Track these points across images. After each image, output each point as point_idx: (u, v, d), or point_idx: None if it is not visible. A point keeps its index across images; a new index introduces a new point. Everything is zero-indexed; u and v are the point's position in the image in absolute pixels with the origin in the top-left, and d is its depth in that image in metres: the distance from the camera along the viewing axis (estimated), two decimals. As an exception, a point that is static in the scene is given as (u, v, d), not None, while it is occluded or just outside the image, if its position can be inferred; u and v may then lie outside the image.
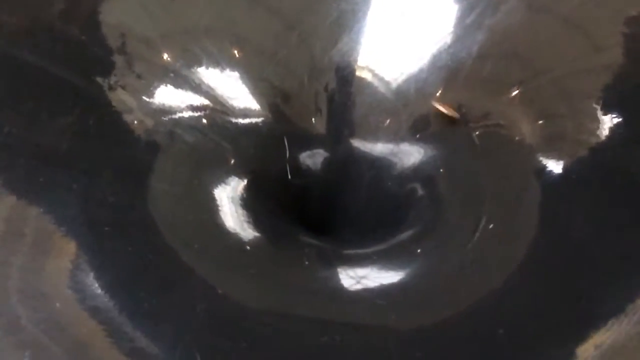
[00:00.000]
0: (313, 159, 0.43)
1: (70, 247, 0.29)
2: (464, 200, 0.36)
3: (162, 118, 0.36)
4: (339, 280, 0.33)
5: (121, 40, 0.36)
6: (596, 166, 0.32)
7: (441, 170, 0.38)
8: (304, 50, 0.41)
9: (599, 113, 0.33)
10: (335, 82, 0.42)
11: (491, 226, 0.33)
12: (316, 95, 0.42)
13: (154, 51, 0.37)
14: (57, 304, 0.27)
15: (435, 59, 0.40)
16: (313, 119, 0.43)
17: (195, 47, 0.38)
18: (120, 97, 0.34)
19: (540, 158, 0.34)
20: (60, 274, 0.28)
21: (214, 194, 0.35)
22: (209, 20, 0.39)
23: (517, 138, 0.35)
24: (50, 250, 0.29)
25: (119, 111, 0.34)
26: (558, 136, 0.34)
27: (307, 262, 0.34)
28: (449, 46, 0.40)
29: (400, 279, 0.33)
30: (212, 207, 0.35)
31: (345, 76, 0.42)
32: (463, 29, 0.40)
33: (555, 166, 0.33)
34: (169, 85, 0.37)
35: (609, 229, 0.30)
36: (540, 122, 0.35)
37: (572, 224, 0.31)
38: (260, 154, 0.40)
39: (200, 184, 0.35)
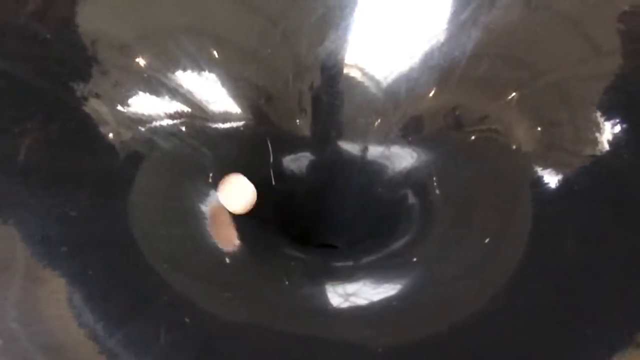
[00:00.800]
0: (298, 162, 0.41)
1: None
2: (457, 211, 0.34)
3: (139, 127, 0.33)
4: (326, 298, 0.31)
5: (95, 47, 0.33)
6: (596, 179, 0.30)
7: (434, 177, 0.36)
8: (288, 48, 0.39)
9: (600, 120, 0.31)
10: (321, 81, 0.40)
11: (487, 240, 0.31)
12: (300, 95, 0.40)
13: (129, 57, 0.34)
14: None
15: (427, 57, 0.38)
16: (298, 121, 0.40)
17: (172, 50, 0.35)
18: (94, 107, 0.32)
19: (537, 168, 0.32)
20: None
21: (193, 206, 0.33)
22: (185, 20, 0.37)
23: (514, 146, 0.33)
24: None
25: (93, 121, 0.32)
26: (556, 145, 0.32)
27: (292, 279, 0.32)
28: (442, 44, 0.38)
29: (390, 296, 0.31)
30: (190, 220, 0.32)
31: (332, 75, 0.40)
32: (457, 26, 0.37)
33: (552, 178, 0.31)
34: (145, 92, 0.34)
35: (608, 247, 0.28)
36: (539, 129, 0.33)
37: (567, 240, 0.29)
38: (242, 159, 0.37)
39: (179, 195, 0.33)
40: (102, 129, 0.32)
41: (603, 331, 0.26)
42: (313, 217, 0.42)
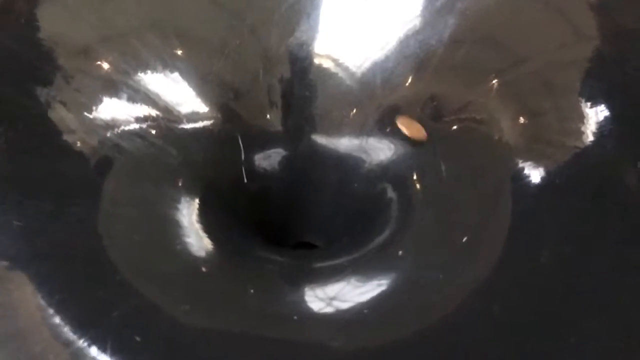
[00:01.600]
0: (271, 159, 0.39)
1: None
2: (436, 207, 0.32)
3: (106, 133, 0.31)
4: (305, 303, 0.30)
5: (56, 51, 0.31)
6: (578, 172, 0.29)
7: (413, 170, 0.34)
8: (256, 40, 0.37)
9: (585, 108, 0.30)
10: (293, 73, 0.38)
11: (464, 239, 0.30)
12: (270, 89, 0.38)
13: (91, 60, 0.32)
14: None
15: (403, 46, 0.37)
16: (268, 115, 0.38)
17: (136, 50, 0.33)
18: (59, 114, 0.30)
19: (519, 160, 0.30)
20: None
21: (164, 211, 0.31)
22: (148, 17, 0.34)
23: (495, 137, 0.32)
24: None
25: (58, 129, 0.30)
26: (540, 137, 0.31)
27: (260, 286, 0.30)
28: (417, 32, 0.36)
29: (372, 297, 0.29)
30: (159, 225, 0.30)
31: (304, 67, 0.38)
32: (433, 13, 0.36)
33: (533, 171, 0.29)
34: (111, 96, 0.32)
35: (591, 246, 0.27)
36: (521, 120, 0.31)
37: (548, 239, 0.28)
38: (212, 159, 0.35)
39: (149, 201, 0.31)
40: (67, 137, 0.30)
41: (588, 339, 0.25)
42: (289, 215, 0.41)
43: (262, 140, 0.39)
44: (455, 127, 0.33)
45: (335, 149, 0.39)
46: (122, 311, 0.25)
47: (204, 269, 0.30)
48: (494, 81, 0.32)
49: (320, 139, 0.39)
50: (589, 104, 0.30)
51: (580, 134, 0.29)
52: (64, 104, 0.30)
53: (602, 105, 0.29)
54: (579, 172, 0.28)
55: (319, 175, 0.40)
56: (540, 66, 0.32)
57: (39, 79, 0.30)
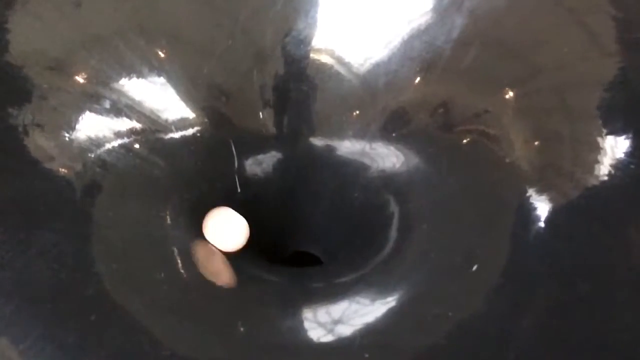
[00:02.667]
0: (266, 164, 0.37)
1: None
2: (440, 226, 0.30)
3: (89, 155, 0.29)
4: (305, 332, 0.28)
5: (27, 67, 0.28)
6: (587, 215, 0.26)
7: (418, 183, 0.32)
8: (250, 40, 0.34)
9: (602, 138, 0.27)
10: (288, 73, 0.36)
11: (466, 264, 0.28)
12: (262, 89, 0.35)
13: (67, 73, 0.29)
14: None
15: (407, 47, 0.34)
16: (261, 115, 0.36)
17: (117, 54, 0.30)
18: (36, 141, 0.27)
19: (528, 188, 0.28)
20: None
21: (150, 234, 0.29)
22: (129, 18, 0.31)
23: (507, 159, 0.29)
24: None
25: (37, 157, 0.27)
26: (553, 166, 0.28)
27: (249, 323, 0.28)
28: (422, 32, 0.34)
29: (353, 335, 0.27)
30: (145, 253, 0.28)
31: (302, 68, 0.35)
32: (439, 12, 0.33)
33: (542, 203, 0.27)
34: (92, 111, 0.30)
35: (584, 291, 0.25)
36: (536, 142, 0.29)
37: (543, 277, 0.26)
38: (202, 169, 0.33)
39: (135, 223, 0.29)
40: (49, 165, 0.27)
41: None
42: (284, 223, 0.39)
43: (256, 144, 0.37)
44: (465, 141, 0.31)
45: (335, 153, 0.37)
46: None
47: (191, 300, 0.27)
48: (509, 93, 0.30)
49: (319, 142, 0.37)
50: (606, 131, 0.27)
51: (594, 167, 0.26)
52: (41, 127, 0.27)
53: (622, 137, 0.27)
54: (587, 215, 0.26)
55: (316, 182, 0.38)
56: (559, 81, 0.29)
57: (12, 101, 0.27)
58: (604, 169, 0.26)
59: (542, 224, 0.26)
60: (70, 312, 0.24)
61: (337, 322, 0.28)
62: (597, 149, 0.26)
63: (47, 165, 0.27)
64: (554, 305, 0.25)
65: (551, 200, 0.27)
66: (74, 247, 0.25)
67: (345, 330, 0.27)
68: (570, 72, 0.29)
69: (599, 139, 0.27)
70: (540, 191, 0.27)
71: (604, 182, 0.26)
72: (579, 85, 0.29)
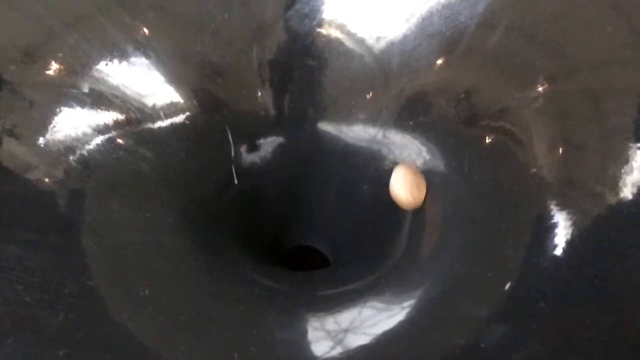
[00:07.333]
0: (263, 151, 0.34)
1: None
2: (455, 231, 0.27)
3: (71, 158, 0.25)
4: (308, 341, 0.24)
5: None
6: (607, 238, 0.23)
7: (437, 181, 0.29)
8: (249, 13, 0.30)
9: (632, 154, 0.23)
10: (291, 51, 0.32)
11: (481, 272, 0.25)
12: (260, 66, 0.32)
13: (41, 62, 0.25)
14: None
15: (425, 22, 0.30)
16: (259, 94, 0.32)
17: (100, 31, 0.26)
18: (11, 150, 0.23)
19: (549, 202, 0.24)
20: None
21: (145, 231, 0.25)
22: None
23: (531, 168, 0.25)
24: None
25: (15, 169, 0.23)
26: (575, 181, 0.25)
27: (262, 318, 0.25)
28: (443, 5, 0.30)
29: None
30: (129, 270, 0.24)
31: (306, 45, 0.32)
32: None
33: (562, 220, 0.24)
34: (69, 106, 0.26)
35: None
36: (560, 149, 0.25)
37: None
38: (194, 161, 0.29)
39: (123, 230, 0.25)
40: (29, 175, 0.23)
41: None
42: (286, 216, 0.35)
43: (254, 128, 0.33)
44: (489, 140, 0.27)
45: (344, 139, 0.33)
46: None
47: (184, 320, 0.24)
48: (539, 89, 0.26)
49: (327, 127, 0.33)
50: (637, 147, 0.23)
51: (619, 185, 0.23)
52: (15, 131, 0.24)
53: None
54: (605, 232, 0.23)
55: (322, 170, 0.34)
56: (595, 85, 0.25)
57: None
58: (629, 188, 0.23)
59: (558, 243, 0.23)
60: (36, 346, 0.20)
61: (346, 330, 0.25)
62: (624, 165, 0.23)
63: (29, 175, 0.23)
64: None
65: (570, 217, 0.24)
66: (43, 261, 0.21)
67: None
68: (609, 76, 0.25)
69: (629, 155, 0.23)
70: (560, 206, 0.24)
71: (628, 202, 0.23)
72: (617, 92, 0.25)
